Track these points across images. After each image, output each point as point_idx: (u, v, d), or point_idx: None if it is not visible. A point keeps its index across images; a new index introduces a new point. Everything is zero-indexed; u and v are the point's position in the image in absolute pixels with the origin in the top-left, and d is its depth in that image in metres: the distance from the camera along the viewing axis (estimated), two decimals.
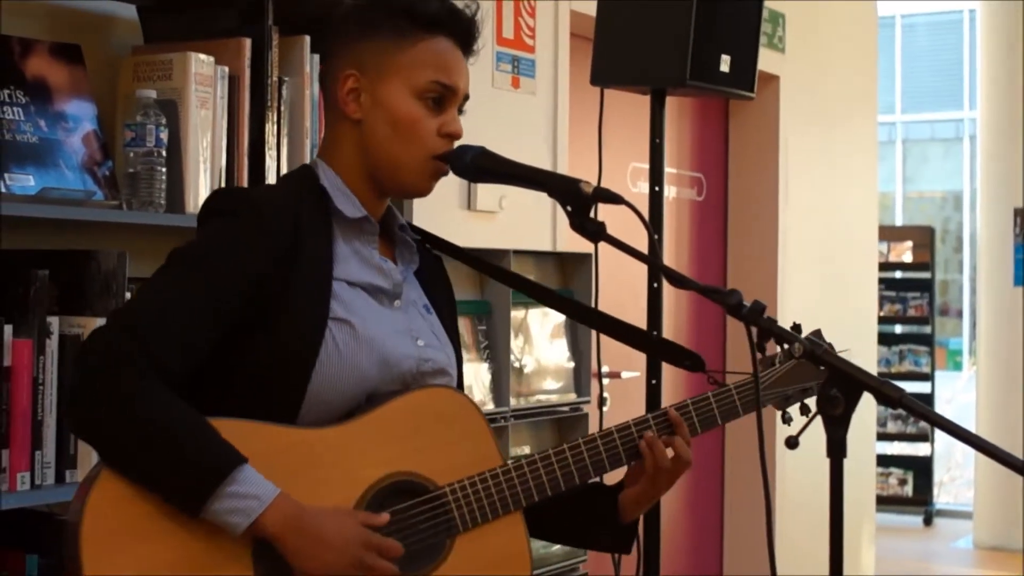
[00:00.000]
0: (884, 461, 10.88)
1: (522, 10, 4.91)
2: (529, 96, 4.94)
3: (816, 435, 2.24)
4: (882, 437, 10.51)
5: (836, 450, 2.11)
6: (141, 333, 2.15)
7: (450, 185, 4.49)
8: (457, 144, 2.43)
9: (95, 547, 2.08)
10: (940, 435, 11.85)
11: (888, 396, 2.07)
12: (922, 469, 11.32)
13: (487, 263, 2.70)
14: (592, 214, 2.33)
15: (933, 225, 13.10)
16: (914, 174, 23.14)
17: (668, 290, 3.63)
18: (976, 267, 10.66)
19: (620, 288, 5.04)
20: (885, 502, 10.59)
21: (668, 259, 3.75)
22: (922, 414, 2.07)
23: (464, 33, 2.43)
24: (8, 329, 2.79)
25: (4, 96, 2.95)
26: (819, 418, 2.19)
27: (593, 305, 3.83)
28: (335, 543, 2.15)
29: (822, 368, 2.24)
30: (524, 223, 4.73)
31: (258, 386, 2.25)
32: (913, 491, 11.26)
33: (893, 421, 11.34)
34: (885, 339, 11.09)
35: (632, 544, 2.56)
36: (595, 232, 2.31)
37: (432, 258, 2.60)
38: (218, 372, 2.27)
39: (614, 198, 2.28)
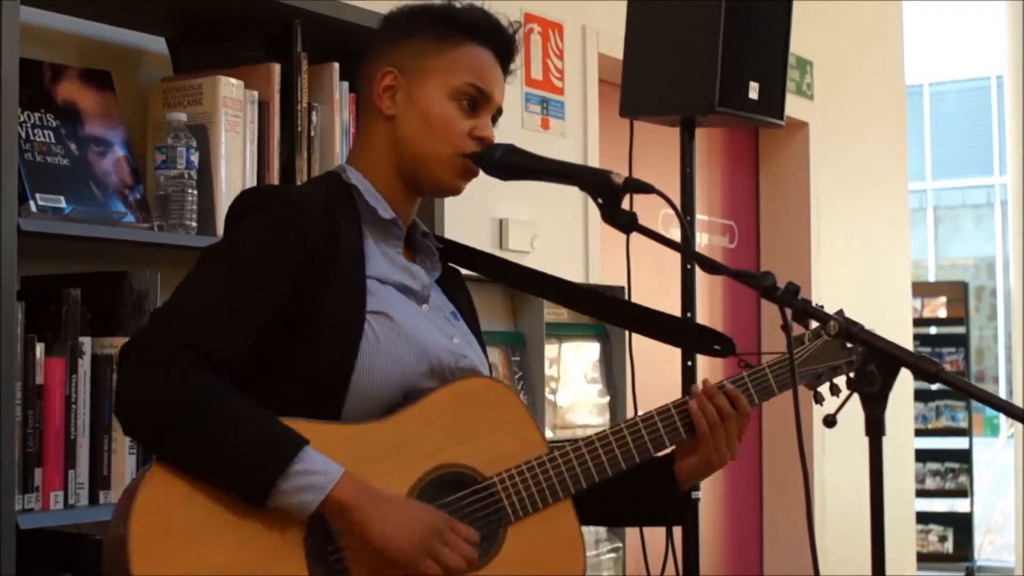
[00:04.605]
0: (923, 518, 10.78)
1: (550, 52, 4.93)
2: (559, 137, 4.95)
3: (856, 432, 2.21)
4: (921, 494, 10.41)
5: (874, 428, 2.09)
6: (187, 328, 2.14)
7: (482, 224, 4.53)
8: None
9: (144, 551, 2.05)
10: (979, 492, 11.75)
11: (925, 371, 2.05)
12: (962, 525, 11.21)
13: (511, 265, 2.70)
14: (625, 204, 2.33)
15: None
16: (946, 241, 23.07)
17: (701, 286, 3.60)
18: (1011, 332, 10.58)
19: None
20: (926, 559, 10.48)
21: (700, 306, 3.74)
22: (960, 387, 2.05)
23: (503, 46, 2.47)
24: (40, 348, 2.79)
25: (35, 119, 2.96)
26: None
27: (628, 339, 3.82)
28: (411, 512, 2.15)
29: (851, 347, 2.23)
30: (556, 262, 4.71)
31: (302, 384, 2.26)
32: (954, 547, 11.15)
33: (932, 477, 11.25)
34: (921, 395, 11.02)
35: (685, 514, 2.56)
36: (627, 223, 2.30)
37: (450, 268, 2.62)
38: (261, 373, 2.27)
39: (645, 188, 2.29)
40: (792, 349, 2.30)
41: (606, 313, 2.76)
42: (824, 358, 2.51)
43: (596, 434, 2.40)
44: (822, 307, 2.50)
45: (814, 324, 2.51)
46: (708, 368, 5.98)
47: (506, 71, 2.50)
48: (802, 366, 2.50)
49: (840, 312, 2.42)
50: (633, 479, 2.48)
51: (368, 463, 2.21)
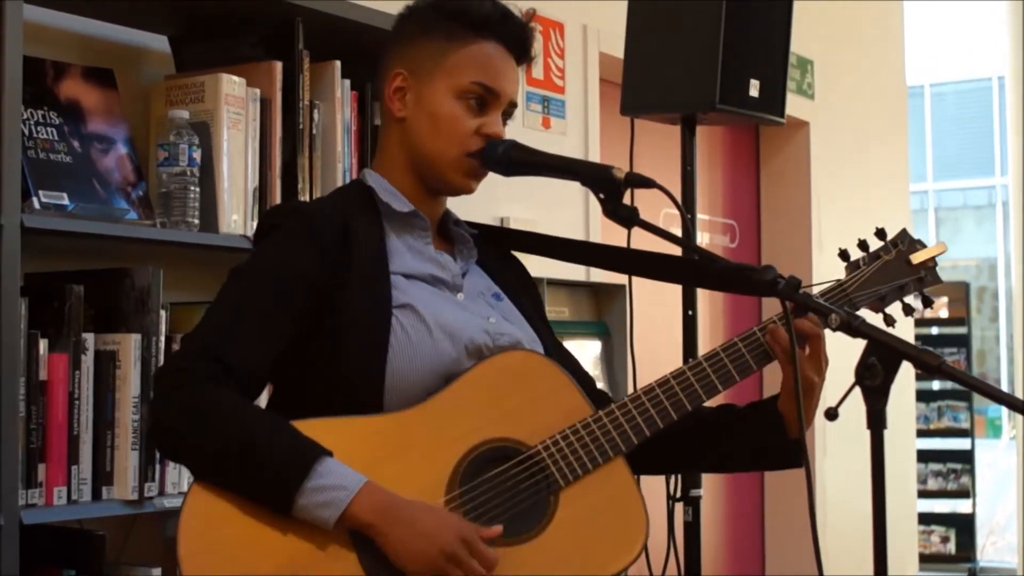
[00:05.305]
0: (926, 519, 10.77)
1: (551, 51, 4.93)
2: (560, 136, 4.96)
3: (856, 432, 2.21)
4: (923, 494, 10.41)
5: (876, 422, 2.09)
6: (212, 349, 2.21)
7: (484, 217, 4.51)
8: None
9: (194, 566, 2.11)
10: (982, 493, 11.73)
11: (926, 363, 2.06)
12: (964, 526, 11.19)
13: (534, 235, 2.75)
14: (627, 199, 2.33)
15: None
16: (947, 242, 22.96)
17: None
18: (1012, 334, 10.57)
19: (653, 320, 5.02)
20: (928, 560, 10.47)
21: (701, 304, 3.74)
22: (961, 379, 2.05)
23: (515, 38, 2.47)
24: (43, 344, 2.80)
25: (38, 117, 2.96)
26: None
27: (629, 337, 3.83)
28: (428, 530, 2.14)
29: (917, 264, 2.23)
30: (556, 260, 4.69)
31: (338, 387, 2.28)
32: (956, 548, 11.14)
33: (934, 478, 11.24)
34: (923, 396, 11.00)
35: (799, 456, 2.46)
36: (628, 217, 2.31)
37: (500, 250, 2.64)
38: (298, 383, 2.32)
39: (646, 182, 2.29)
40: (794, 345, 2.29)
41: (655, 271, 2.70)
42: (886, 279, 2.50)
43: (643, 389, 2.38)
44: (864, 241, 2.47)
45: (873, 246, 2.50)
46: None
47: (521, 62, 2.50)
48: (861, 289, 2.49)
49: (904, 231, 2.41)
50: (740, 426, 2.48)
51: (408, 451, 2.23)
